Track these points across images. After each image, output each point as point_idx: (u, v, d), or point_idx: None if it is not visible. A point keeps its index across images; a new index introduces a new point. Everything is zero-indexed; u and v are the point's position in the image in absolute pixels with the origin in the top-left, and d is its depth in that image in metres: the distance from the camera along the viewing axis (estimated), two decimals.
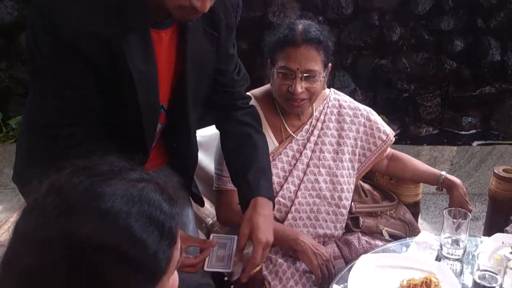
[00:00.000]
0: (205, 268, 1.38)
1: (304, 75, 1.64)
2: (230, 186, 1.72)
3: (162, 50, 1.34)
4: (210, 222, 1.75)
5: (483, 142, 3.82)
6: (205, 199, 1.82)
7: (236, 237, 1.42)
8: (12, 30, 3.90)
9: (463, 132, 3.99)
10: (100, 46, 1.20)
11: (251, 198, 1.46)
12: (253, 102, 1.78)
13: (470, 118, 4.02)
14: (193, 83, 1.42)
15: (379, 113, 1.96)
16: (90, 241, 0.74)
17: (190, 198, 1.71)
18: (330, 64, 1.72)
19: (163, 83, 1.36)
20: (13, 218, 1.67)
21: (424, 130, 4.02)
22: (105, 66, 1.23)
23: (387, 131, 1.91)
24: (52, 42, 1.17)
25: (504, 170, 1.99)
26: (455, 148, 3.68)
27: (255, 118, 1.65)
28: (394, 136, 1.94)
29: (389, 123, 3.79)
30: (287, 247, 1.71)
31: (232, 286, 1.63)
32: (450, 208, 1.65)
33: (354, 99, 1.96)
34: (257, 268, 1.45)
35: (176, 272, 0.87)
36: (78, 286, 0.74)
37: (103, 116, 1.31)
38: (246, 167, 1.51)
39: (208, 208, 1.81)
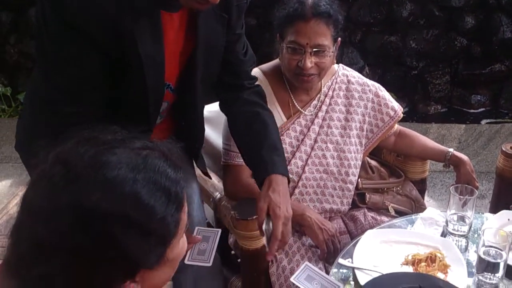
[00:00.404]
0: (186, 261, 1.37)
1: (314, 50, 1.63)
2: (238, 160, 1.74)
3: (173, 31, 1.33)
4: (218, 196, 1.77)
5: (492, 120, 3.79)
6: (212, 174, 1.84)
7: (219, 230, 1.41)
8: (22, 5, 3.89)
9: (472, 110, 3.96)
10: (110, 29, 1.20)
11: (266, 176, 1.45)
12: (261, 77, 1.78)
13: (479, 96, 3.99)
14: (202, 63, 1.42)
15: (388, 90, 1.96)
16: (99, 209, 0.75)
17: (195, 171, 1.73)
18: (339, 39, 1.71)
19: (170, 63, 1.36)
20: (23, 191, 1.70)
21: (433, 108, 4.00)
22: (113, 48, 1.23)
23: (395, 107, 1.90)
24: (61, 21, 1.17)
25: None
26: (463, 126, 3.66)
27: (262, 97, 1.64)
28: (402, 113, 1.94)
29: (398, 100, 3.76)
30: (294, 222, 1.72)
31: (238, 260, 1.66)
32: (456, 185, 1.65)
33: (363, 76, 1.95)
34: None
35: (185, 236, 0.89)
36: (88, 254, 0.76)
37: (106, 95, 1.31)
38: (258, 145, 1.50)
39: (216, 183, 1.83)
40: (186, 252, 1.37)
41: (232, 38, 1.51)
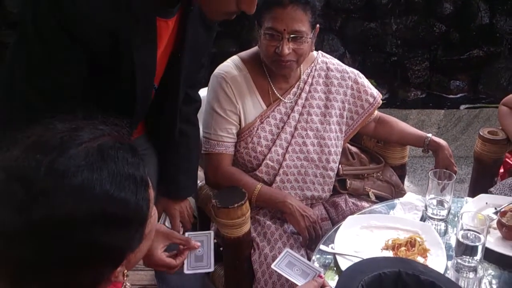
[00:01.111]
0: (185, 271, 1.34)
1: (291, 36, 1.62)
2: (218, 149, 1.73)
3: (165, 37, 1.33)
4: (199, 185, 1.76)
5: (470, 105, 3.84)
6: None
7: (212, 232, 1.40)
8: None
9: (451, 96, 3.99)
10: (106, 36, 1.18)
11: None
12: (240, 64, 1.78)
13: (458, 82, 4.02)
14: (187, 66, 1.42)
15: (367, 77, 1.96)
16: (74, 218, 0.73)
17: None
18: (318, 26, 1.70)
19: (159, 65, 1.36)
20: None
21: (413, 94, 4.03)
22: (107, 55, 1.21)
23: (375, 93, 1.91)
24: (55, 25, 1.13)
25: (489, 132, 2.01)
26: (442, 111, 3.69)
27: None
28: (382, 100, 1.95)
29: (378, 87, 3.78)
30: (275, 210, 1.73)
31: (221, 248, 1.66)
32: (435, 170, 1.67)
33: (343, 62, 1.95)
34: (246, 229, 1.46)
35: (155, 208, 0.90)
36: (74, 262, 0.75)
37: (91, 98, 1.27)
38: (177, 167, 1.61)
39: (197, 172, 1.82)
40: (183, 261, 1.35)
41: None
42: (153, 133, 1.59)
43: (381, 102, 1.93)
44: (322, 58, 1.89)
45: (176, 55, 1.38)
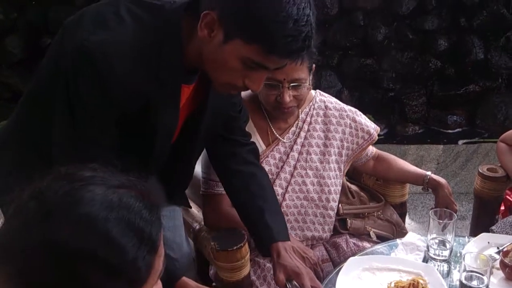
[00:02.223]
0: None
1: (291, 84, 1.63)
2: (218, 189, 1.72)
3: (186, 99, 1.35)
4: (198, 227, 1.74)
5: (468, 140, 3.84)
6: (192, 204, 1.82)
7: None
8: None
9: (449, 131, 4.01)
10: (139, 101, 1.22)
11: (272, 243, 1.50)
12: None
13: (455, 116, 4.04)
14: (206, 125, 1.44)
15: (365, 113, 1.97)
16: (68, 246, 0.73)
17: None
18: (314, 65, 1.72)
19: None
20: None
21: (411, 129, 4.04)
22: (135, 118, 1.24)
23: (371, 131, 1.91)
24: (96, 92, 1.17)
25: (488, 169, 2.01)
26: (441, 147, 3.70)
27: (257, 156, 1.66)
28: (380, 136, 1.95)
29: (376, 122, 3.79)
30: None
31: (213, 284, 1.63)
32: (435, 209, 1.66)
33: (341, 98, 1.96)
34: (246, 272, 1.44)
35: (160, 282, 0.85)
36: None
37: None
38: (261, 209, 1.54)
39: (195, 213, 1.80)
40: None
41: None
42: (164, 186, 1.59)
43: (376, 138, 1.93)
44: (320, 97, 1.90)
45: (197, 115, 1.40)
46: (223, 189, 1.72)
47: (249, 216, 1.57)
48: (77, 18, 1.25)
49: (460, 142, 3.83)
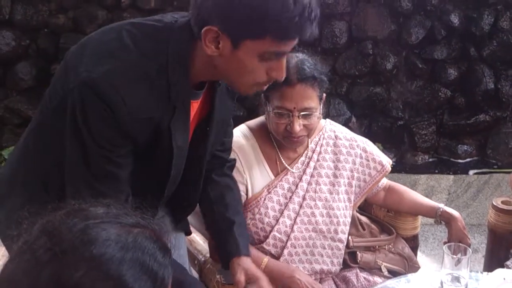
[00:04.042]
0: None
1: (301, 113, 1.61)
2: None
3: (194, 114, 1.34)
4: (203, 259, 1.70)
5: (479, 170, 3.80)
6: (197, 234, 1.79)
7: None
8: (9, 60, 3.90)
9: (460, 160, 3.97)
10: (150, 127, 1.21)
11: (236, 257, 1.51)
12: (248, 134, 1.76)
13: (465, 146, 4.00)
14: (213, 140, 1.44)
15: (375, 141, 1.94)
16: (79, 286, 0.71)
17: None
18: (324, 95, 1.70)
19: None
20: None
21: (420, 158, 4.00)
22: (149, 143, 1.24)
23: (383, 161, 1.88)
24: (108, 126, 1.16)
25: (503, 202, 1.96)
26: (452, 177, 3.65)
27: (232, 171, 1.68)
28: (391, 165, 1.92)
29: (385, 151, 3.77)
30: (283, 285, 1.67)
31: None
32: (449, 244, 1.61)
33: (350, 127, 1.94)
34: None
35: None
36: None
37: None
38: (232, 221, 1.55)
39: (201, 244, 1.77)
40: None
41: None
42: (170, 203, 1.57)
43: (389, 170, 1.89)
44: (330, 126, 1.87)
45: (204, 129, 1.39)
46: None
47: (219, 226, 1.57)
48: (80, 48, 1.24)
49: (471, 172, 3.78)
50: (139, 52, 1.17)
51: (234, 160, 1.68)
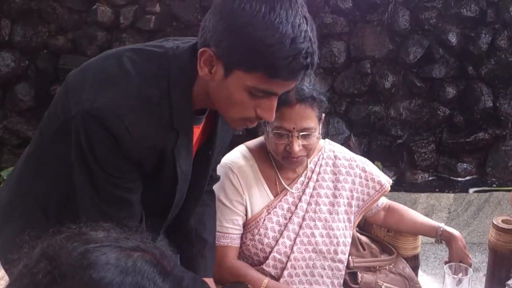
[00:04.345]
0: None
1: (301, 133, 1.61)
2: (224, 241, 1.69)
3: (196, 139, 1.35)
4: None
5: (479, 188, 3.79)
6: None
7: None
8: (9, 81, 3.92)
9: (459, 178, 3.96)
10: (155, 154, 1.21)
11: (202, 277, 1.52)
12: (247, 154, 1.76)
13: (465, 164, 4.00)
14: (213, 161, 1.44)
15: (374, 160, 1.94)
16: None
17: None
18: (323, 114, 1.70)
19: None
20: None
21: (420, 177, 3.99)
22: (154, 170, 1.24)
23: (382, 181, 1.87)
24: (112, 153, 1.16)
25: (503, 221, 1.95)
26: (452, 195, 3.64)
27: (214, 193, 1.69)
28: (390, 185, 1.91)
29: (385, 170, 3.76)
30: None
31: None
32: (450, 263, 1.60)
33: (349, 145, 1.94)
34: None
35: None
36: None
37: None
38: (205, 241, 1.58)
39: None
40: None
41: None
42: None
43: (388, 189, 1.89)
44: (330, 146, 1.87)
45: (206, 153, 1.38)
46: (229, 240, 1.69)
47: (192, 243, 1.57)
48: (80, 73, 1.24)
49: (471, 190, 3.77)
50: (140, 79, 1.17)
51: (219, 176, 1.67)
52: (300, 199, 1.76)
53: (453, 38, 3.88)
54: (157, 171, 1.25)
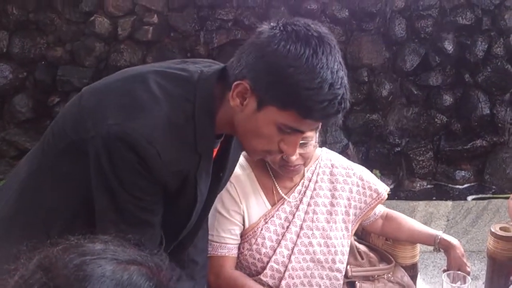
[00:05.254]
0: None
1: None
2: (221, 251, 1.68)
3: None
4: None
5: (478, 196, 3.79)
6: None
7: None
8: (7, 92, 3.92)
9: (458, 186, 3.96)
10: (180, 178, 1.22)
11: None
12: (244, 164, 1.76)
13: (463, 172, 4.00)
14: (223, 183, 1.46)
15: (372, 168, 1.94)
16: None
17: None
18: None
19: None
20: None
21: (418, 185, 4.00)
22: (177, 193, 1.25)
23: (379, 189, 1.87)
24: (140, 177, 1.16)
25: (501, 228, 1.95)
26: (450, 203, 3.64)
27: None
28: (388, 193, 1.91)
29: (383, 178, 3.76)
30: None
31: None
32: (448, 272, 1.60)
33: (347, 154, 1.94)
34: None
35: None
36: None
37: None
38: (195, 261, 1.57)
39: None
40: None
41: None
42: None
43: (385, 197, 1.89)
44: (327, 155, 1.87)
45: (217, 175, 1.38)
46: (227, 250, 1.69)
47: (183, 264, 1.55)
48: (98, 94, 1.23)
49: (469, 198, 3.77)
50: (169, 104, 1.17)
51: None
52: (297, 208, 1.76)
53: (449, 46, 3.90)
54: (178, 194, 1.25)
